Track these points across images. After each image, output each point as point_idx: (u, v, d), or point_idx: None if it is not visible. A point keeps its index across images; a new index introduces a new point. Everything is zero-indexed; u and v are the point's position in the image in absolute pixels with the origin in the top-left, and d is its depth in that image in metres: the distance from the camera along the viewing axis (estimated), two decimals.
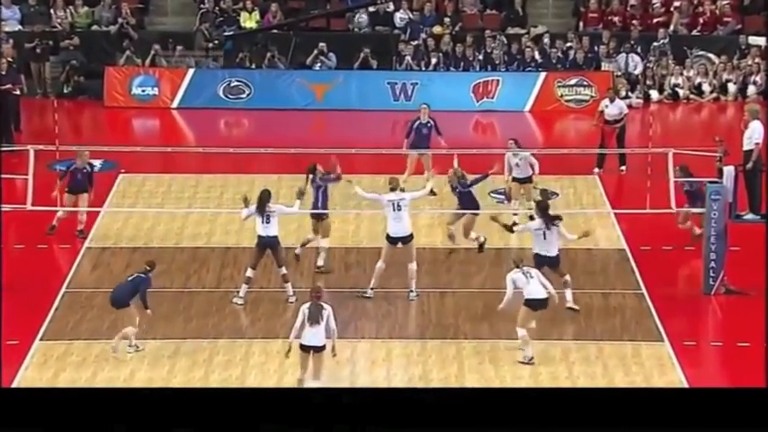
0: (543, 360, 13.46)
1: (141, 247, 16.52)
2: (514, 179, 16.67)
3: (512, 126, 22.74)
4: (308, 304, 12.50)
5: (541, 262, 14.20)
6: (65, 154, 17.99)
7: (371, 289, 14.66)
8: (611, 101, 19.44)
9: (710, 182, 15.37)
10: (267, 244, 14.49)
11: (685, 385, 12.98)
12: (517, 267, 13.56)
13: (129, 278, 13.60)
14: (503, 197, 18.22)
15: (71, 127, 22.76)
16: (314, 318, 12.31)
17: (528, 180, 16.61)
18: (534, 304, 13.42)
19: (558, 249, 14.28)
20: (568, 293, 14.36)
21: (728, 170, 15.70)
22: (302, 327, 12.37)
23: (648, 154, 17.57)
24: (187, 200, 18.55)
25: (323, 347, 12.47)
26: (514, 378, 13.10)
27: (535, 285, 13.40)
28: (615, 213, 17.48)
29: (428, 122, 17.81)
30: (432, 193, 15.99)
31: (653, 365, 13.42)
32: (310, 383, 12.41)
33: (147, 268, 13.69)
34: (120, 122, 23.11)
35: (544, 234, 14.26)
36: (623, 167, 19.34)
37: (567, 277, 14.40)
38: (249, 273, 14.49)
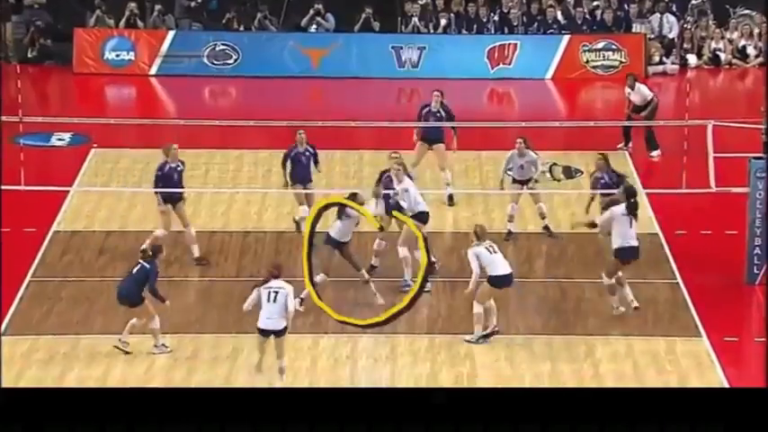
0: (566, 357, 13.49)
1: (116, 231, 16.53)
2: (514, 180, 16.38)
3: (531, 96, 22.70)
4: (264, 285, 12.65)
5: (627, 255, 13.98)
6: (29, 126, 17.98)
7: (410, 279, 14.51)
8: (632, 88, 19.17)
9: (755, 158, 15.34)
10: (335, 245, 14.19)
11: (726, 386, 12.99)
12: (479, 240, 13.56)
13: (134, 270, 13.50)
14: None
15: (36, 96, 22.74)
16: (271, 299, 12.58)
17: (528, 181, 16.37)
18: (498, 282, 13.53)
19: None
20: (629, 291, 14.14)
21: None
22: (260, 309, 12.66)
23: (685, 127, 17.53)
24: None
25: (283, 331, 12.63)
26: (534, 377, 13.13)
27: (500, 260, 13.52)
28: (647, 194, 17.46)
29: (438, 112, 17.03)
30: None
31: (689, 364, 13.43)
32: (276, 364, 12.66)
33: (150, 254, 13.56)
34: (92, 91, 23.09)
35: (630, 221, 14.02)
36: (654, 153, 19.09)
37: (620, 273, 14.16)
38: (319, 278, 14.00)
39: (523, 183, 16.41)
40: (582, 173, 18.19)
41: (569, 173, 16.96)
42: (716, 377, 13.18)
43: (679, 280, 15.24)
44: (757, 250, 15.07)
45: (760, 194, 15.05)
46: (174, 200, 15.45)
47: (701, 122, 17.09)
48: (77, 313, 14.30)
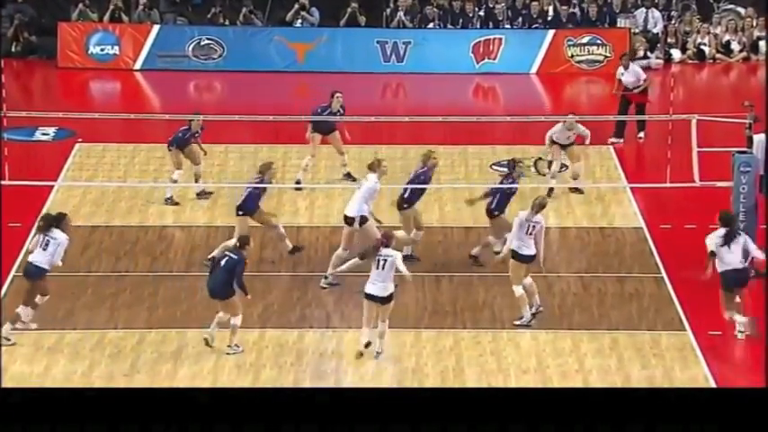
0: (552, 352, 13.46)
1: (101, 226, 16.44)
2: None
3: (516, 90, 22.67)
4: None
5: (733, 280, 13.35)
6: (14, 121, 17.86)
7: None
8: (626, 68, 19.30)
9: (739, 152, 15.34)
10: None
11: (710, 379, 12.97)
12: (534, 211, 13.73)
13: (222, 263, 13.34)
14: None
15: (21, 90, 22.62)
16: (380, 266, 13.08)
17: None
18: (524, 258, 13.71)
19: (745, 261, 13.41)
20: (740, 318, 13.60)
21: (759, 138, 15.66)
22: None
23: (669, 121, 17.53)
24: (153, 173, 18.45)
25: (388, 297, 13.09)
26: (519, 372, 13.09)
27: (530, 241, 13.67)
28: (632, 188, 17.45)
29: (338, 112, 17.53)
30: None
31: (674, 358, 13.42)
32: (379, 327, 13.18)
33: (237, 244, 13.51)
34: (77, 85, 22.97)
35: (729, 245, 13.33)
36: (641, 134, 19.28)
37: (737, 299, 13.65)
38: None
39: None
40: (566, 167, 18.17)
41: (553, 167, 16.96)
42: (700, 371, 13.17)
43: (663, 274, 15.23)
44: None
45: (744, 188, 15.05)
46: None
47: (685, 117, 17.08)
48: (62, 308, 14.20)
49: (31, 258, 13.63)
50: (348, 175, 17.66)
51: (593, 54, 23.41)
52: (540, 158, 17.65)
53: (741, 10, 24.37)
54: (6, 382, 12.49)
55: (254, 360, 13.26)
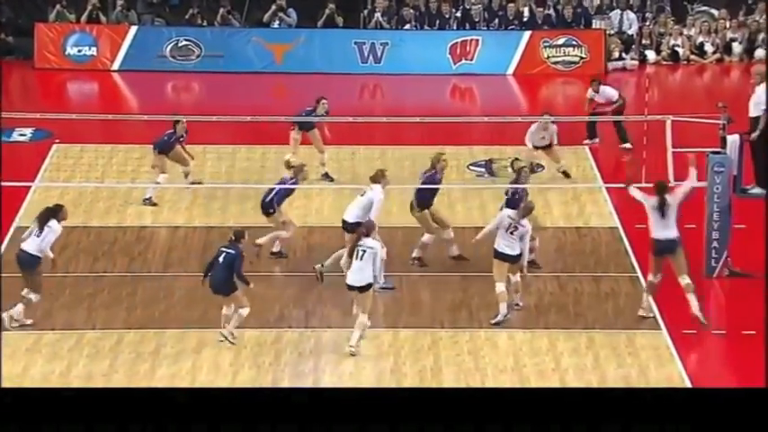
0: (529, 351, 13.52)
1: (79, 227, 16.40)
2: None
3: (493, 91, 22.74)
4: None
5: (663, 248, 13.63)
6: None
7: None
8: (596, 92, 19.15)
9: (713, 152, 15.44)
10: None
11: (685, 378, 13.07)
12: (517, 215, 13.85)
13: (220, 258, 13.39)
14: (482, 170, 18.26)
15: None
16: (358, 256, 13.24)
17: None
18: (505, 258, 13.80)
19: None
20: (693, 299, 13.79)
21: (733, 139, 15.79)
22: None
23: (644, 122, 17.63)
24: (131, 173, 18.43)
25: (365, 287, 13.27)
26: (496, 371, 13.15)
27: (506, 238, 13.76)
28: (607, 188, 17.54)
29: (322, 117, 17.69)
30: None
31: (649, 356, 13.50)
32: (360, 318, 13.30)
33: (233, 238, 13.54)
34: (54, 86, 22.89)
35: (662, 211, 13.62)
36: (627, 144, 19.11)
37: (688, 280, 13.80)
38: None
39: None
40: (543, 168, 18.25)
41: (531, 168, 17.03)
42: (675, 369, 13.26)
43: (639, 273, 15.31)
44: (715, 243, 15.17)
45: (718, 188, 15.16)
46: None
47: (659, 117, 17.19)
48: (40, 308, 14.16)
49: (23, 246, 13.76)
50: (326, 176, 17.69)
51: (568, 55, 23.51)
52: (517, 159, 17.72)
53: (714, 12, 24.52)
54: None
55: (233, 360, 13.27)
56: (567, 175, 17.80)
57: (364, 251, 13.18)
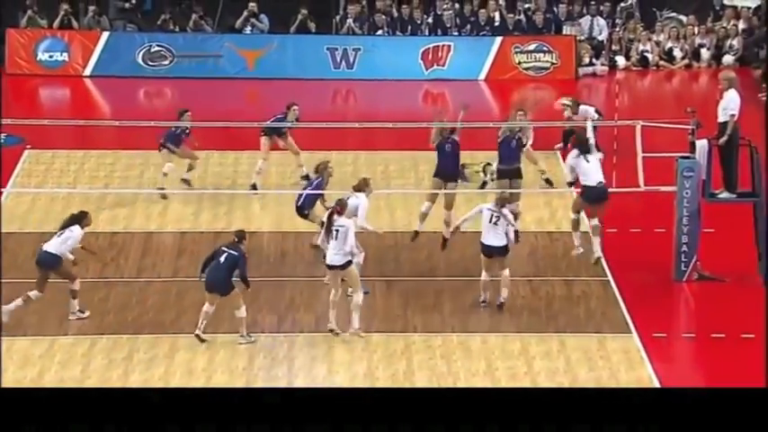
0: (501, 355, 13.58)
1: (51, 233, 16.30)
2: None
3: (465, 96, 22.81)
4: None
5: (593, 195, 15.13)
6: None
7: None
8: (575, 113, 18.96)
9: (682, 157, 15.56)
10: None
11: (655, 381, 13.16)
12: (496, 205, 14.21)
13: (221, 258, 13.40)
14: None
15: None
16: (333, 236, 13.62)
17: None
18: (489, 251, 14.10)
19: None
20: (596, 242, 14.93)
21: (702, 144, 15.89)
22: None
23: (614, 127, 17.74)
24: (103, 179, 18.38)
25: (346, 265, 13.64)
26: (468, 375, 13.20)
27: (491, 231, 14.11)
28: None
29: (293, 122, 17.76)
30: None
31: (620, 360, 13.59)
32: (353, 297, 13.78)
33: (236, 239, 13.56)
34: (26, 92, 22.78)
35: (586, 157, 15.27)
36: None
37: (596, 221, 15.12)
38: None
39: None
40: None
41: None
42: (645, 372, 13.35)
43: (610, 277, 15.40)
44: (684, 248, 15.28)
45: (687, 193, 15.28)
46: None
47: (629, 123, 17.28)
48: (13, 316, 14.09)
49: (44, 246, 14.07)
50: (306, 177, 17.62)
51: (539, 61, 23.61)
52: (489, 164, 17.79)
53: (683, 18, 24.69)
54: None
55: (206, 365, 13.26)
56: (549, 183, 17.88)
57: (337, 230, 13.46)
